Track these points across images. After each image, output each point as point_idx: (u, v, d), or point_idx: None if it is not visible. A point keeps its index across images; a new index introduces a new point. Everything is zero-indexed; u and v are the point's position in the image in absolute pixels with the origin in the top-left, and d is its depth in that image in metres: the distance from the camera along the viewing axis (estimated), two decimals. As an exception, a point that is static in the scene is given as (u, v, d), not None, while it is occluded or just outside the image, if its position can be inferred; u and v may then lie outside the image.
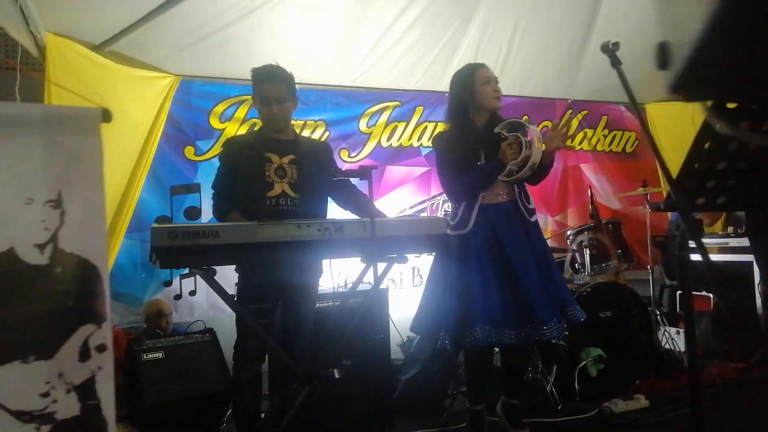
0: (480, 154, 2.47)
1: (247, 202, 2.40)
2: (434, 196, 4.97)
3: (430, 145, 4.94)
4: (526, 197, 2.62)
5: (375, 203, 2.78)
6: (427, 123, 4.97)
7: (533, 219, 2.61)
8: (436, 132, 5.01)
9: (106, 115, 1.33)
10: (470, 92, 2.55)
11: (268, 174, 2.41)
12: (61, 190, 1.26)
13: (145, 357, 2.85)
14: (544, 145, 2.43)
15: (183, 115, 4.05)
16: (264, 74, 2.50)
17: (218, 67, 4.15)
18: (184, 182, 4.00)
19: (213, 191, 2.54)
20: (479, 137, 2.48)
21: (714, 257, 4.01)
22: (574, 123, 5.45)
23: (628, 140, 5.74)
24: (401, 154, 4.86)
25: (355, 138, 4.66)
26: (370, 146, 4.73)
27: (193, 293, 3.91)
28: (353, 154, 4.62)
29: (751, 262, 3.79)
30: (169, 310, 3.63)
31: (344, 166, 4.30)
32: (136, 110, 3.76)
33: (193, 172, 4.05)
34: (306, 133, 4.31)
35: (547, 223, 5.15)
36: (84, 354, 1.28)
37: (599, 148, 5.61)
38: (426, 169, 4.94)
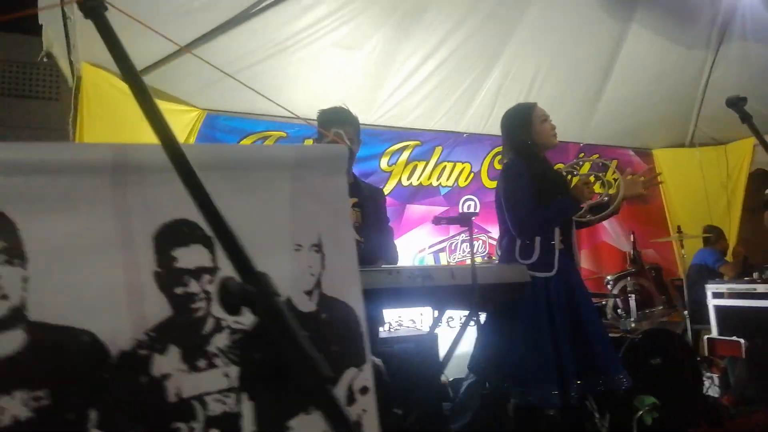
0: (560, 190, 2.43)
1: None
2: (453, 236, 4.92)
3: (450, 182, 4.94)
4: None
5: (396, 242, 2.70)
6: (446, 163, 4.95)
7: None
8: (453, 173, 5.02)
9: (351, 154, 1.24)
10: (529, 131, 2.53)
11: None
12: (321, 234, 1.18)
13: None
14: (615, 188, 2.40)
15: (207, 150, 3.95)
16: (333, 116, 2.43)
17: (246, 102, 4.08)
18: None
19: None
20: (551, 174, 2.44)
21: (741, 303, 4.01)
22: (586, 166, 5.49)
23: (636, 184, 5.80)
24: (420, 194, 4.81)
25: (377, 176, 4.60)
26: (391, 185, 4.67)
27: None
28: (374, 193, 4.56)
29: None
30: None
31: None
32: (163, 144, 3.66)
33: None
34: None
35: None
36: (350, 398, 1.19)
37: (610, 191, 5.64)
38: (445, 208, 4.89)
